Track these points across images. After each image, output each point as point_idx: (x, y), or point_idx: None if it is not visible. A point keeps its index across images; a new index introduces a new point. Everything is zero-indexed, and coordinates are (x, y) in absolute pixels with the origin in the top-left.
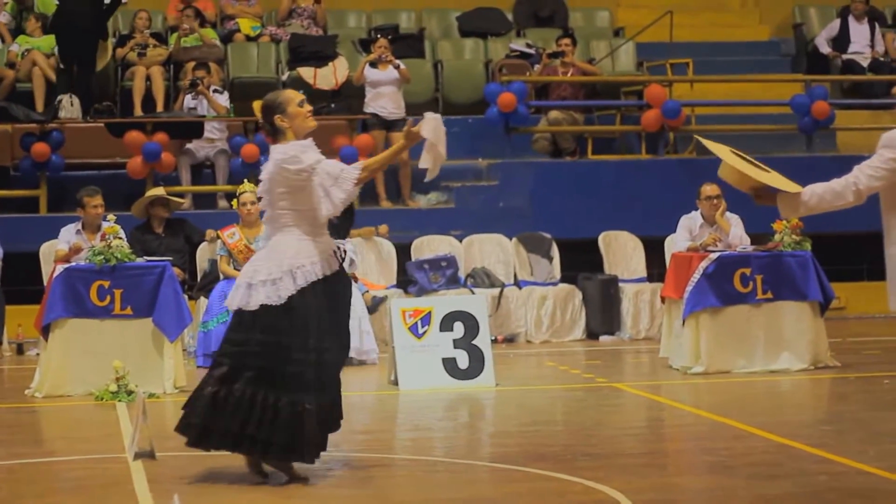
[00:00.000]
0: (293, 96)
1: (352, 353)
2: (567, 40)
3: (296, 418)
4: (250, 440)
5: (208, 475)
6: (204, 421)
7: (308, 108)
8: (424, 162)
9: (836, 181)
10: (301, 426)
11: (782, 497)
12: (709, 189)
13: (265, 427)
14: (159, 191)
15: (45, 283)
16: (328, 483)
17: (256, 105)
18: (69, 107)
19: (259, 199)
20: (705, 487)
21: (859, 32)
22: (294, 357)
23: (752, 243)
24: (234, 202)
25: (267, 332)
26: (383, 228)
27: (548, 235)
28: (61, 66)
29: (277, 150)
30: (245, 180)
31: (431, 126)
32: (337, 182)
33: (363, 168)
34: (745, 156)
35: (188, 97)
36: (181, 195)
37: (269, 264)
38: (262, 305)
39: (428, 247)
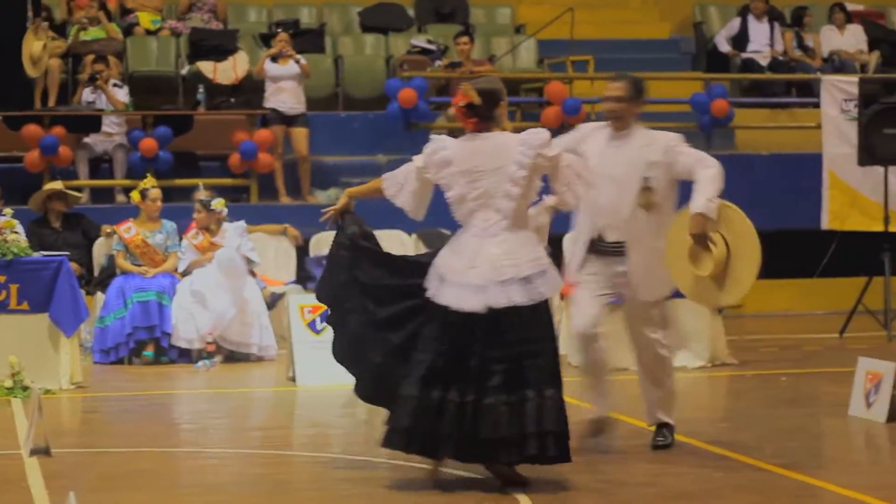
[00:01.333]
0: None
1: (251, 349)
2: (465, 38)
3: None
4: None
5: (104, 472)
6: (508, 434)
7: None
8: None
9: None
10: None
11: (679, 493)
12: None
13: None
14: (57, 185)
15: None
16: (223, 480)
17: (470, 88)
18: None
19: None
20: (601, 484)
21: (759, 31)
22: (554, 351)
23: None
24: (135, 195)
25: (543, 327)
26: (292, 231)
27: (447, 231)
28: None
29: (531, 137)
30: (148, 175)
31: None
32: (580, 176)
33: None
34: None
35: (87, 91)
36: (79, 189)
37: (529, 256)
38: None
39: (327, 243)
